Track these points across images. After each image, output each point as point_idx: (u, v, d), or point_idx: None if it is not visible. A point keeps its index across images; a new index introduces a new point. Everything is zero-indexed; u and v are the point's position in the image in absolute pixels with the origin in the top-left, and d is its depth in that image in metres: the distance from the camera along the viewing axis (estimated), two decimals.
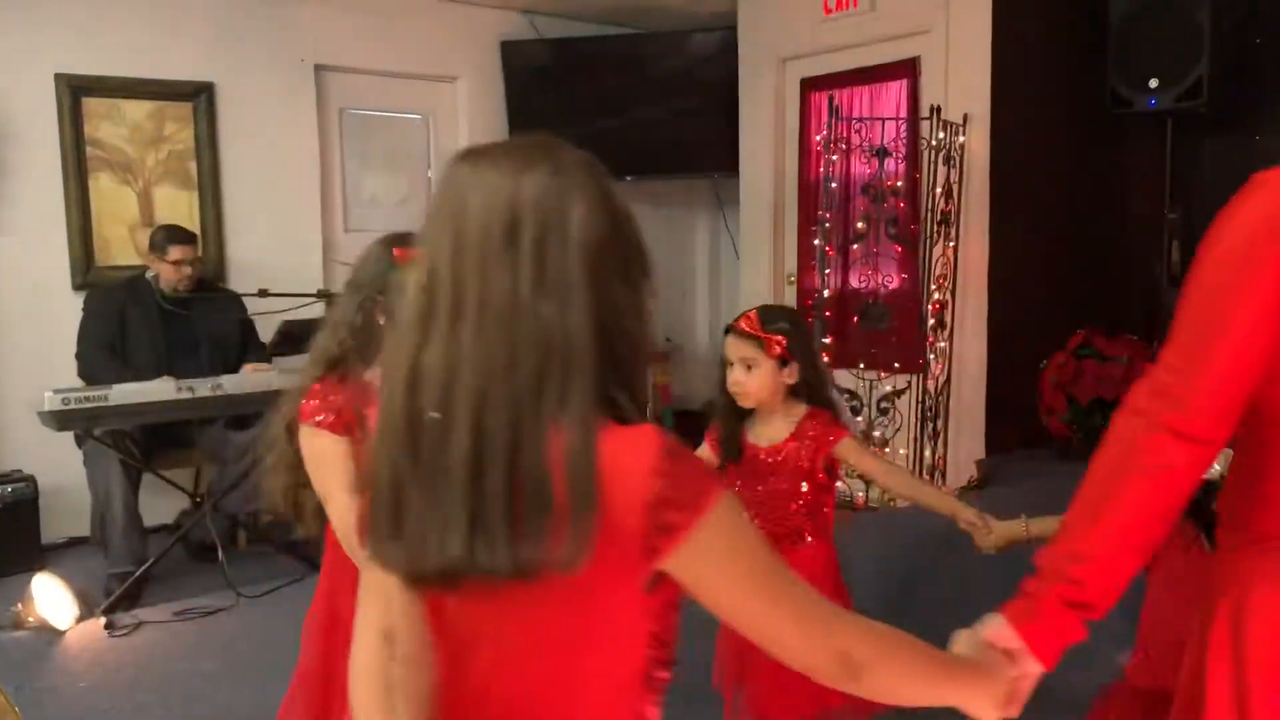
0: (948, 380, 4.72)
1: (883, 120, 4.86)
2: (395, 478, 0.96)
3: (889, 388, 4.73)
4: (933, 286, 4.63)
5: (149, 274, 4.33)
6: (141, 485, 4.05)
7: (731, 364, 2.30)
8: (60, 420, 3.60)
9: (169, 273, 4.28)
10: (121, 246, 4.81)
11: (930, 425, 4.65)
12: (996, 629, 1.21)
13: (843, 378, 4.56)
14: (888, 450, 4.65)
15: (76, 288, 4.63)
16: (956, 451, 4.74)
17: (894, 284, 4.82)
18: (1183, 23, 4.22)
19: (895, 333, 4.74)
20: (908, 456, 4.65)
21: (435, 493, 0.93)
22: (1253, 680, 1.23)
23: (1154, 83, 4.31)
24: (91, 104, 4.72)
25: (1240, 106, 4.36)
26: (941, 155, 4.59)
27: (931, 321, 4.64)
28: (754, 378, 2.27)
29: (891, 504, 4.29)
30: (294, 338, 4.27)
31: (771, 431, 2.32)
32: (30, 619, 3.58)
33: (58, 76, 4.60)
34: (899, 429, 4.70)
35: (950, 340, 4.72)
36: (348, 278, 1.96)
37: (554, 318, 0.92)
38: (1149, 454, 1.19)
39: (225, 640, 3.55)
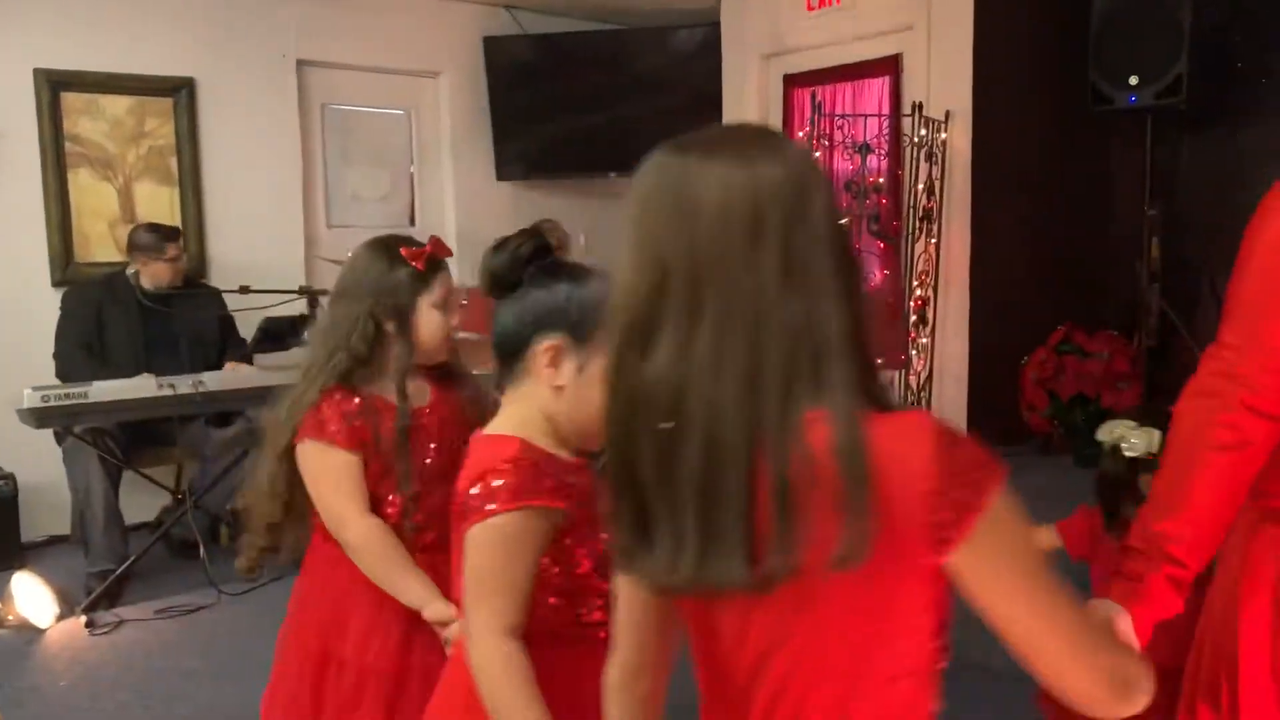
0: (929, 376, 4.73)
1: (865, 117, 4.87)
2: (633, 492, 0.93)
3: None
4: (915, 283, 4.65)
5: (129, 271, 4.30)
6: (122, 482, 4.03)
7: None
8: (39, 418, 3.58)
9: (165, 271, 4.25)
10: (101, 243, 4.77)
11: None
12: (1117, 615, 1.22)
13: None
14: None
15: (56, 284, 4.60)
16: None
17: (876, 280, 4.83)
18: (1163, 20, 4.24)
19: (877, 329, 4.74)
20: None
21: (671, 505, 0.90)
22: None
23: (1134, 80, 4.33)
24: (71, 99, 4.68)
25: (1219, 104, 4.39)
26: (923, 152, 4.60)
27: (913, 318, 4.65)
28: None
29: None
30: (275, 335, 4.26)
31: None
32: (10, 618, 3.56)
33: (36, 71, 4.57)
34: None
35: (932, 336, 4.73)
36: (341, 284, 1.89)
37: (803, 311, 0.88)
38: (1228, 432, 1.26)
39: (207, 638, 3.55)
